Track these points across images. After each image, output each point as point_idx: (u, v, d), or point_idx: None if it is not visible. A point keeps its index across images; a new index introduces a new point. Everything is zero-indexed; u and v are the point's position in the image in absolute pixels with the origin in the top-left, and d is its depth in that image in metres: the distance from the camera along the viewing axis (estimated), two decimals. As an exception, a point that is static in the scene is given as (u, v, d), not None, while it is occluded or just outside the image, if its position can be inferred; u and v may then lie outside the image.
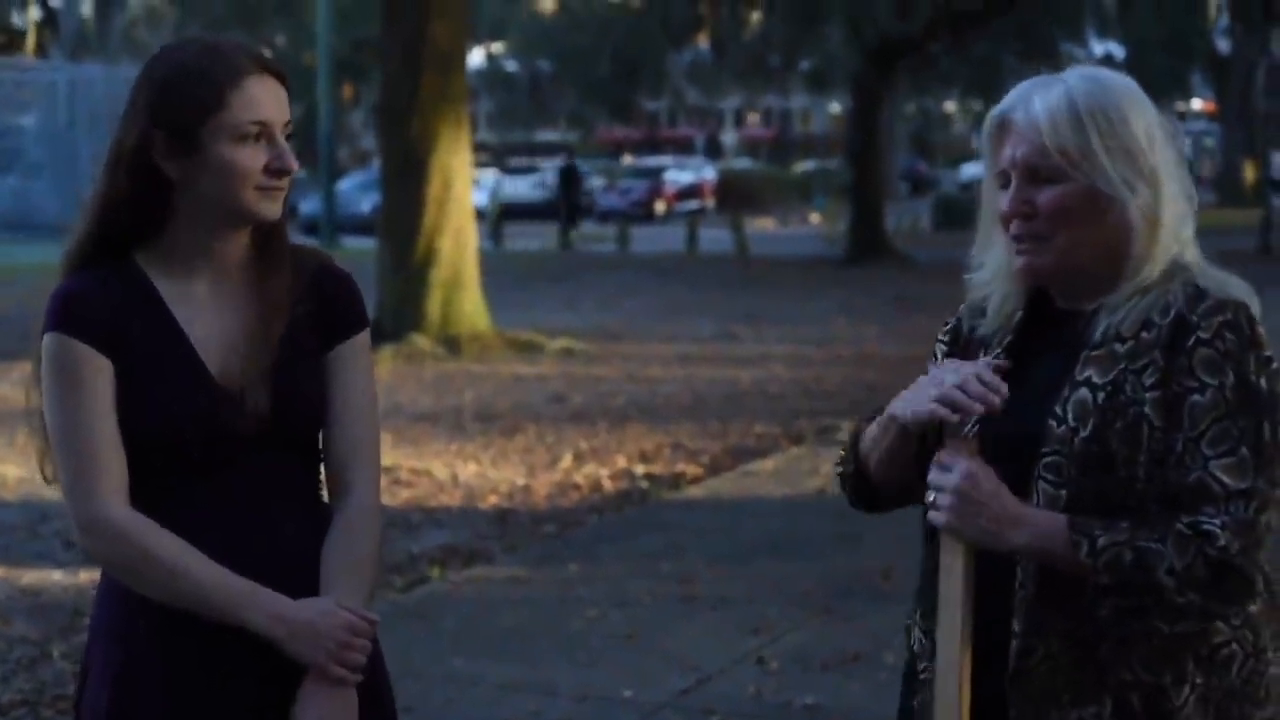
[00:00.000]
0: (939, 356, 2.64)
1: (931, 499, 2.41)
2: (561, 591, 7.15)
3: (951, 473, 2.38)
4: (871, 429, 2.59)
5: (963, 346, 2.62)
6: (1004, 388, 2.39)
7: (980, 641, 2.43)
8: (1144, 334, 2.38)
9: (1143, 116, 2.44)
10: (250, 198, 2.55)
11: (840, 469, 2.70)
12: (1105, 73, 2.51)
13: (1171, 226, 2.44)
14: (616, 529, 8.49)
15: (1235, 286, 2.43)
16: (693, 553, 7.78)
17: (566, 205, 37.49)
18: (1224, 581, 2.29)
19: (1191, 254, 2.47)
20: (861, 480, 2.64)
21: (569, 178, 38.62)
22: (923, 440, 2.52)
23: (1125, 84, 2.48)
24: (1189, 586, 2.29)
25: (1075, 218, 2.43)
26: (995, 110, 2.51)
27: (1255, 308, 2.41)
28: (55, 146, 33.53)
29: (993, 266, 2.57)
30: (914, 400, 2.44)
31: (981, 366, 2.42)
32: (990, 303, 2.57)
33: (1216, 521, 2.29)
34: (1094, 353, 2.41)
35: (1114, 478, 2.35)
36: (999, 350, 2.53)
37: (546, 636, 6.46)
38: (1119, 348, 2.39)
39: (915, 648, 2.63)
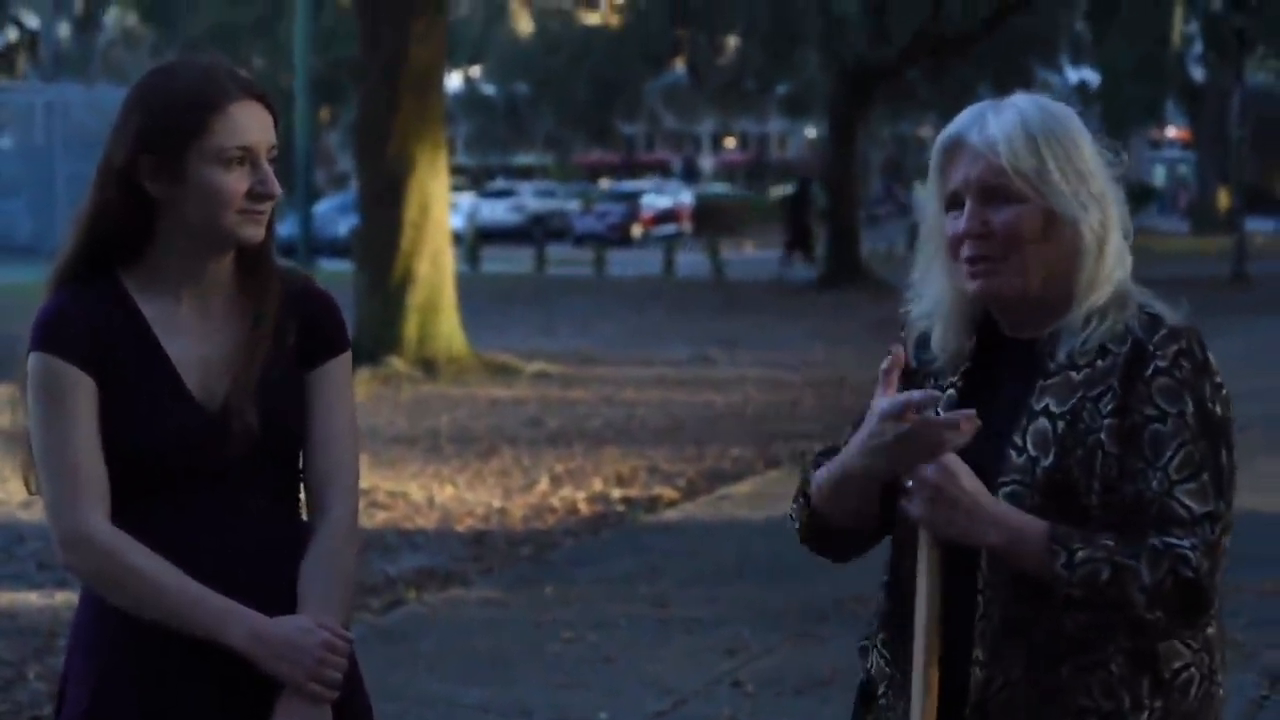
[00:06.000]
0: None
1: (907, 485, 2.38)
2: (537, 614, 7.16)
3: (929, 466, 2.35)
4: (823, 480, 2.50)
5: (910, 380, 2.54)
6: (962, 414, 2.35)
7: (942, 670, 2.43)
8: (1099, 361, 2.39)
9: (1089, 142, 2.45)
10: (232, 221, 2.58)
11: (796, 520, 2.61)
12: (1048, 100, 2.51)
13: (1117, 249, 2.44)
14: (592, 552, 8.51)
15: (1179, 314, 2.43)
16: (669, 575, 7.80)
17: (796, 227, 33.95)
18: (1190, 602, 2.32)
19: (1130, 282, 2.47)
20: (822, 530, 2.57)
21: (801, 199, 34.75)
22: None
23: (1069, 111, 2.48)
24: (1158, 604, 2.31)
25: (1031, 239, 2.41)
26: (945, 133, 2.49)
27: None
28: (32, 168, 33.44)
29: (933, 297, 2.54)
30: (880, 454, 2.38)
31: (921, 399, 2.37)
32: (934, 334, 2.54)
33: (1186, 543, 2.31)
34: (1049, 381, 2.41)
35: (1075, 504, 2.36)
36: (957, 380, 2.50)
37: (523, 658, 6.48)
38: (1075, 376, 2.39)
39: (873, 670, 2.62)
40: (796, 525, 2.62)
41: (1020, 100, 2.47)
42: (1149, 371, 2.36)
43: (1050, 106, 2.47)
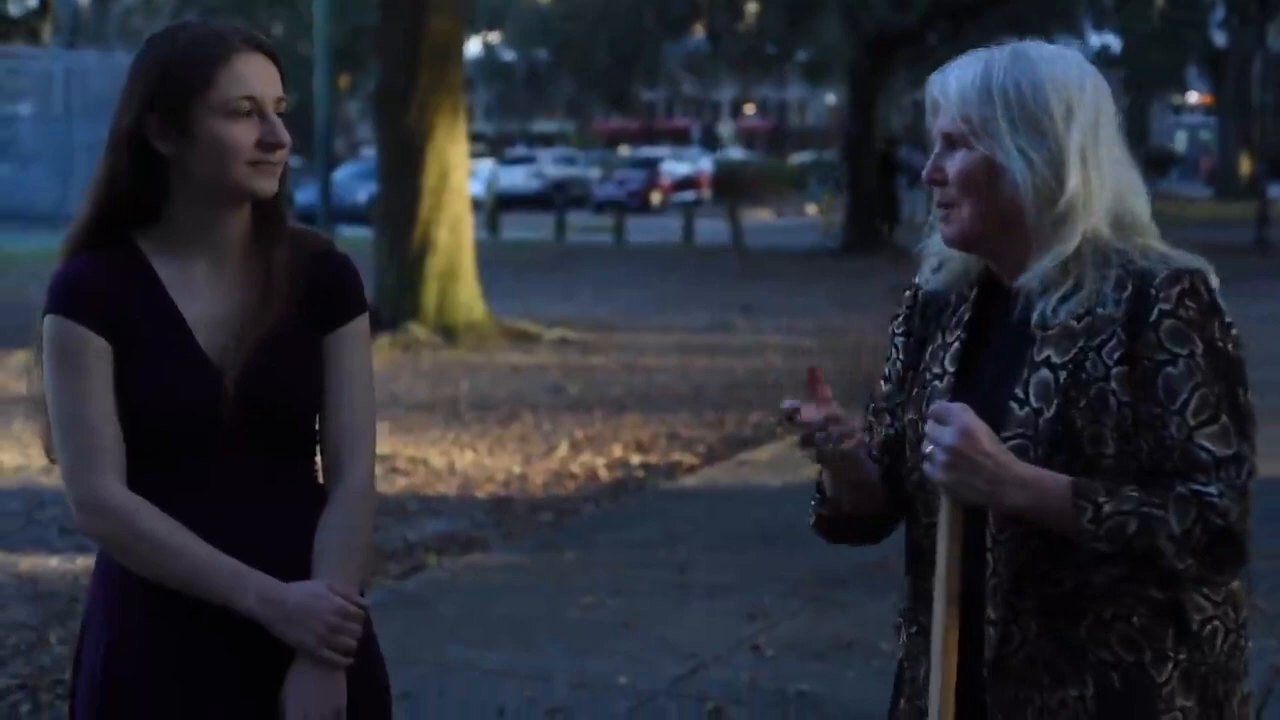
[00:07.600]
0: (898, 349, 2.63)
1: (928, 450, 2.35)
2: (558, 579, 7.17)
3: (948, 427, 2.32)
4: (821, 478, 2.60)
5: (923, 320, 2.60)
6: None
7: (960, 632, 2.42)
8: (1099, 310, 2.36)
9: (1063, 91, 2.39)
10: (243, 173, 2.57)
11: (814, 513, 2.66)
12: (1037, 46, 2.46)
13: (1086, 203, 2.38)
14: (613, 518, 8.51)
15: (1190, 259, 2.39)
16: (688, 541, 7.80)
17: (885, 199, 30.33)
18: (1222, 548, 2.29)
19: (1142, 240, 2.41)
20: (841, 519, 2.63)
21: (888, 166, 30.70)
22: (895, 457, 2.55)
23: (1055, 56, 2.43)
24: (1188, 552, 2.28)
25: (975, 186, 2.42)
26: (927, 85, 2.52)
27: (1213, 278, 2.37)
28: (51, 135, 33.47)
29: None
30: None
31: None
32: (943, 270, 2.57)
33: (1214, 489, 2.28)
34: (1048, 332, 2.38)
35: (1081, 456, 2.33)
36: (961, 333, 2.51)
37: (543, 624, 6.48)
38: (1075, 325, 2.37)
39: (905, 648, 2.62)
40: (813, 521, 2.67)
41: (999, 50, 2.45)
42: (1154, 316, 2.33)
43: (1029, 52, 2.43)
